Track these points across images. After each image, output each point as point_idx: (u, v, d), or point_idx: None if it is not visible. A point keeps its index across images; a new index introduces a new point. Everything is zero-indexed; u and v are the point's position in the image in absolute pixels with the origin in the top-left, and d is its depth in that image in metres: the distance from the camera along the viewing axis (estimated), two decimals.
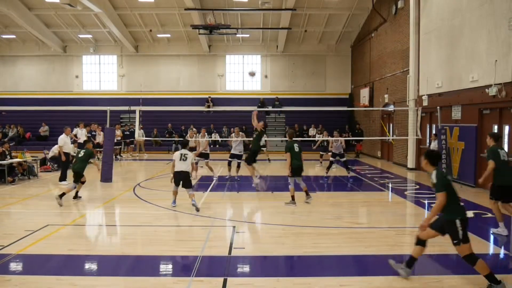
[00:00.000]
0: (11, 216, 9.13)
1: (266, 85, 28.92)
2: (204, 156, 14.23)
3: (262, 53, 28.77)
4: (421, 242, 5.49)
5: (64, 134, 13.38)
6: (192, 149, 13.52)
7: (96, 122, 20.00)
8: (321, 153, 19.06)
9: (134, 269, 6.00)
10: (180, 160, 9.57)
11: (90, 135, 18.60)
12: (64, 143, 13.19)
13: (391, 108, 19.70)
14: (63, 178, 13.08)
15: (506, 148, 11.32)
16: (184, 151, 9.75)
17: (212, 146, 25.28)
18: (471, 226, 8.18)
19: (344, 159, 15.12)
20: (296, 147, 9.93)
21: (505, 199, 7.45)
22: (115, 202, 10.67)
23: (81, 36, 27.58)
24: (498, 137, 7.72)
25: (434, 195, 11.34)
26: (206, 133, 15.08)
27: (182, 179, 9.53)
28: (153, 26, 25.97)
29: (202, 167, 15.19)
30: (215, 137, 25.19)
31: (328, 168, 15.09)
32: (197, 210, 9.23)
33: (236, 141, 13.88)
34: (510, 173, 7.40)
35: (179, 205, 9.77)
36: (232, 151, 13.83)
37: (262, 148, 18.51)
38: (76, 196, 10.60)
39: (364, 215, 9.58)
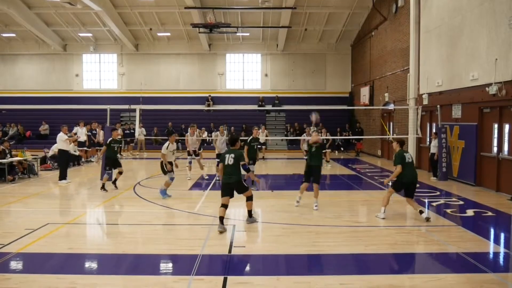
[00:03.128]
0: (11, 214, 9.14)
1: (266, 83, 28.92)
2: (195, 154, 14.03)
3: (262, 51, 28.75)
4: None
5: (61, 132, 13.41)
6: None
7: (96, 121, 20.00)
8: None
9: (134, 268, 6.00)
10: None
11: (90, 133, 18.62)
12: (64, 138, 13.32)
13: (391, 106, 19.69)
14: (62, 177, 13.08)
15: (506, 147, 11.35)
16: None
17: (212, 145, 25.26)
18: (471, 225, 8.23)
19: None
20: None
21: (406, 193, 8.63)
22: (115, 200, 10.67)
23: (81, 34, 27.56)
24: (403, 143, 8.88)
25: (433, 193, 11.34)
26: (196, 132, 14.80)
27: None
28: (153, 24, 25.96)
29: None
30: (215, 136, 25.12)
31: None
32: None
33: (221, 139, 13.71)
34: (411, 172, 8.54)
35: (179, 205, 9.77)
36: (220, 151, 13.36)
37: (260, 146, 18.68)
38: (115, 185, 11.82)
39: (364, 214, 9.58)
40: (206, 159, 16.44)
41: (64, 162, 13.33)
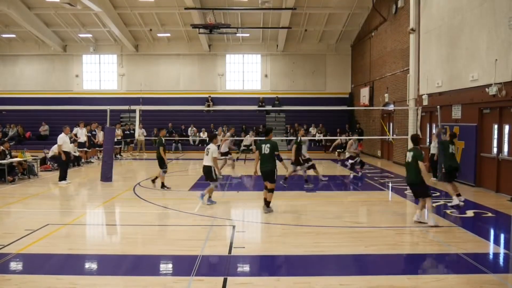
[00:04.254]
0: (11, 215, 9.14)
1: (266, 84, 28.92)
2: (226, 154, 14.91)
3: (262, 52, 28.75)
4: None
5: (63, 133, 13.36)
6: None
7: (96, 122, 19.99)
8: (338, 151, 19.51)
9: (134, 269, 6.00)
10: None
11: (90, 134, 18.62)
12: (63, 142, 13.16)
13: (391, 107, 19.69)
14: (62, 177, 13.06)
15: (506, 148, 11.35)
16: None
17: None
18: (471, 226, 8.23)
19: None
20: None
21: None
22: (115, 201, 10.67)
23: (81, 35, 27.57)
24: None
25: (433, 194, 11.28)
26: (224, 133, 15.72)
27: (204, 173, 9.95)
28: (153, 25, 25.96)
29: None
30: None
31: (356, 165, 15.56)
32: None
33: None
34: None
35: (179, 205, 9.77)
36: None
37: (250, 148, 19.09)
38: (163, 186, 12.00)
39: (364, 215, 9.58)
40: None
41: (65, 163, 13.30)
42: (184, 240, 7.24)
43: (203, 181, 13.65)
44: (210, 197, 9.90)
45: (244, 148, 19.90)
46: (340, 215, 9.10)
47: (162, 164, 11.92)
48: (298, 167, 12.43)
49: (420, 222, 8.07)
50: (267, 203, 9.00)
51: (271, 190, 8.90)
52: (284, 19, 23.99)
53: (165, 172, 12.09)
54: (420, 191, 8.14)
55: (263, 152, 8.87)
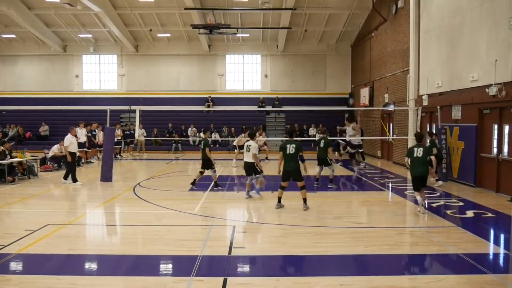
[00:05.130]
0: (11, 215, 9.14)
1: (266, 84, 28.92)
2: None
3: (262, 52, 28.75)
4: None
5: (69, 134, 13.32)
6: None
7: (96, 122, 19.99)
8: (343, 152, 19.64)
9: (134, 269, 6.00)
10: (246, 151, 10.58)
11: (90, 134, 18.62)
12: (70, 143, 13.10)
13: (391, 107, 19.70)
14: (74, 179, 12.90)
15: (506, 148, 11.35)
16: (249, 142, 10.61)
17: (212, 146, 25.31)
18: (471, 226, 8.23)
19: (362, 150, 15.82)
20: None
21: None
22: (115, 201, 10.67)
23: (81, 35, 27.57)
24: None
25: (433, 194, 11.28)
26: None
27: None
28: (153, 25, 25.96)
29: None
30: (215, 136, 25.22)
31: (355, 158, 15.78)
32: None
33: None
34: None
35: (179, 205, 9.77)
36: None
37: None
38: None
39: (364, 215, 9.57)
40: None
41: (73, 164, 13.18)
42: (184, 240, 7.24)
43: (203, 181, 13.68)
44: (259, 188, 10.91)
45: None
46: (340, 215, 9.10)
47: (211, 164, 11.99)
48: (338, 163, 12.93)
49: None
50: (304, 201, 9.36)
51: (303, 187, 9.29)
52: (284, 19, 24.00)
53: (215, 171, 12.24)
54: (426, 182, 9.22)
55: (288, 152, 9.24)
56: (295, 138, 10.07)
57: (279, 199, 9.54)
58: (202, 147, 12.02)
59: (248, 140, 10.87)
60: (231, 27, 23.08)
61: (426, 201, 9.40)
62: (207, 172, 12.23)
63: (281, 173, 9.49)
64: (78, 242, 7.14)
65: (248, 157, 10.54)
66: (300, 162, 9.56)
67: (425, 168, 9.04)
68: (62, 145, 16.49)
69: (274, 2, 22.27)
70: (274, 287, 5.27)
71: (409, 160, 9.29)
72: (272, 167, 18.19)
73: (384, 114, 21.23)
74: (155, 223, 8.45)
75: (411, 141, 16.69)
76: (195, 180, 12.20)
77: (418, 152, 9.03)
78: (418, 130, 15.50)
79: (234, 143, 19.92)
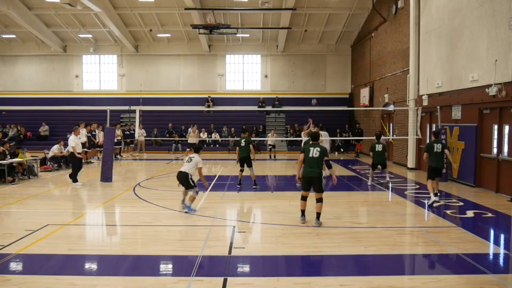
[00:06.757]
0: (11, 215, 9.13)
1: (266, 84, 28.93)
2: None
3: (262, 52, 28.76)
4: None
5: (73, 134, 13.30)
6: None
7: (96, 122, 19.99)
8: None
9: (134, 269, 6.00)
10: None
11: (90, 134, 18.61)
12: (75, 144, 13.05)
13: (391, 107, 19.70)
14: (75, 179, 12.88)
15: (506, 148, 11.36)
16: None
17: (212, 146, 25.33)
18: (471, 226, 8.23)
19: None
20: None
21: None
22: (115, 201, 10.67)
23: (81, 35, 27.57)
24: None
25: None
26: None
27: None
28: (153, 25, 25.97)
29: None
30: (215, 137, 25.21)
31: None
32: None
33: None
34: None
35: (179, 205, 9.76)
36: None
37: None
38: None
39: (364, 215, 9.57)
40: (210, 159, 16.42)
41: (78, 165, 13.17)
42: (184, 241, 7.24)
43: (201, 181, 13.68)
44: (189, 205, 9.40)
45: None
46: (340, 215, 9.10)
47: (250, 163, 12.13)
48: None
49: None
50: (317, 215, 8.10)
51: (320, 200, 8.02)
52: (284, 19, 24.00)
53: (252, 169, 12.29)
54: (441, 173, 10.61)
55: (310, 155, 7.98)
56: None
57: (303, 212, 8.24)
58: (243, 144, 12.03)
59: (194, 153, 9.58)
60: (231, 27, 23.07)
61: (438, 194, 10.27)
62: (246, 171, 12.32)
63: (300, 180, 8.29)
64: (78, 242, 7.14)
65: (184, 168, 9.21)
66: (326, 168, 8.43)
67: (443, 162, 10.72)
68: (62, 145, 16.52)
69: (274, 2, 22.28)
70: (274, 287, 5.27)
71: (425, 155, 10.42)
72: (270, 167, 18.21)
73: (384, 114, 21.23)
74: (155, 223, 8.45)
75: (412, 141, 16.71)
76: (240, 180, 12.39)
77: (438, 147, 10.29)
78: (419, 131, 15.55)
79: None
